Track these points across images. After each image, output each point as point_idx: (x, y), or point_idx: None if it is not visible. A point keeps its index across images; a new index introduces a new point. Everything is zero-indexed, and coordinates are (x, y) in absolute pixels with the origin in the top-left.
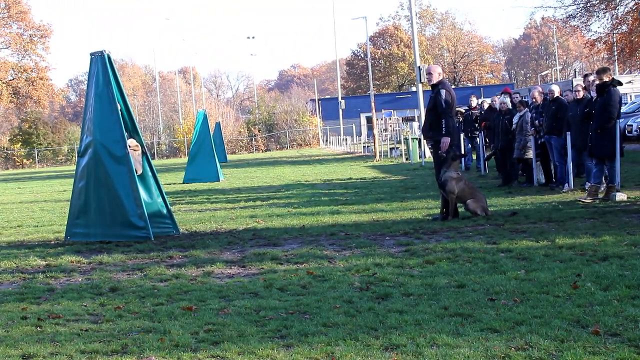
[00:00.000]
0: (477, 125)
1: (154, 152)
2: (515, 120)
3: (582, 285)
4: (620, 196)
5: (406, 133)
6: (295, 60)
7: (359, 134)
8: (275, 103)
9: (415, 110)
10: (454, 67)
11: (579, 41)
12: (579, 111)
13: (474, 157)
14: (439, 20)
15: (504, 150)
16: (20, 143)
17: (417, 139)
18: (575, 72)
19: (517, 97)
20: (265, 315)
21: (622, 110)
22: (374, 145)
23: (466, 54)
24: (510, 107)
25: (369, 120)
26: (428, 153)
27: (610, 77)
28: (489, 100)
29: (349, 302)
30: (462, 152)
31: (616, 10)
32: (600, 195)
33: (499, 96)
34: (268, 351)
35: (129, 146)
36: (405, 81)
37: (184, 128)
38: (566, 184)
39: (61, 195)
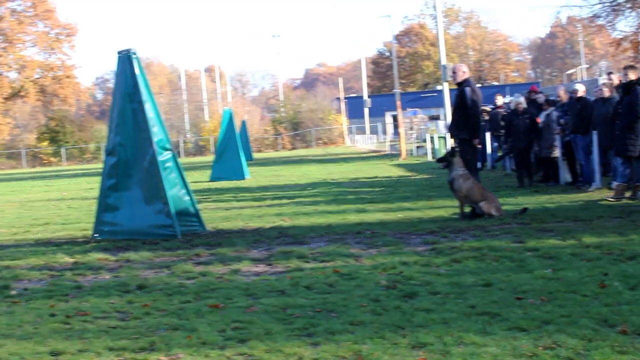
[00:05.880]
0: (502, 124)
1: (180, 151)
2: (541, 118)
3: (609, 285)
4: None
5: (432, 131)
6: (321, 59)
7: (385, 132)
8: (301, 101)
9: (441, 108)
10: (480, 65)
11: (604, 40)
12: (604, 110)
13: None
14: (464, 19)
15: (524, 150)
16: (47, 141)
17: (443, 137)
18: (601, 70)
19: (540, 97)
20: (292, 313)
21: None
22: (400, 143)
23: (491, 52)
24: (526, 106)
25: (395, 118)
26: None
27: (637, 75)
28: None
29: (376, 301)
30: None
31: None
32: (627, 194)
33: (524, 94)
34: (295, 349)
35: None
36: (430, 80)
37: (210, 126)
38: (593, 183)
39: (88, 192)
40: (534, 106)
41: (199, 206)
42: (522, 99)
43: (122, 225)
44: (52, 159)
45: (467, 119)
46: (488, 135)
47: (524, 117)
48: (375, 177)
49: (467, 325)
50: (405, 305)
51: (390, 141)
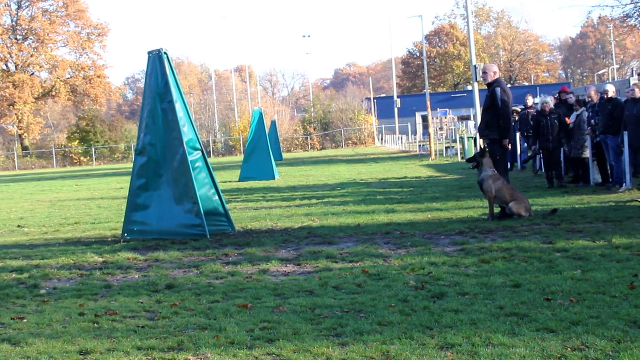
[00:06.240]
0: (531, 124)
1: (209, 150)
2: (572, 119)
3: (638, 286)
4: None
5: (462, 132)
6: (351, 59)
7: (414, 132)
8: (331, 101)
9: (471, 109)
10: (510, 65)
11: (636, 40)
12: (635, 111)
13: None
14: (495, 19)
15: (552, 150)
16: (77, 140)
17: (472, 137)
18: (632, 70)
19: (571, 97)
20: (320, 314)
21: None
22: (430, 144)
23: (522, 52)
24: (553, 106)
25: (425, 118)
26: None
27: None
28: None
29: (404, 301)
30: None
31: None
32: None
33: (555, 95)
34: (323, 349)
35: None
36: (460, 80)
37: (240, 126)
38: (623, 184)
39: (118, 192)
40: (565, 106)
41: (228, 206)
42: (549, 99)
43: (151, 224)
44: (82, 158)
45: (497, 119)
46: (518, 135)
47: (552, 117)
48: (405, 177)
49: (496, 326)
50: (434, 306)
51: (420, 141)
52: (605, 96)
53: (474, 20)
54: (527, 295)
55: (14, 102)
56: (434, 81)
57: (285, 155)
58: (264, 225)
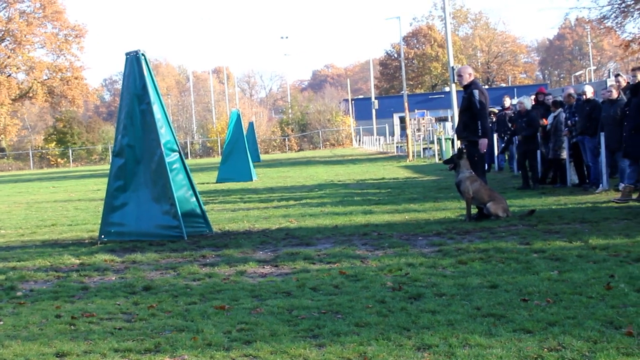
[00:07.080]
0: (510, 125)
1: (187, 152)
2: (550, 120)
3: (615, 286)
4: None
5: (439, 133)
6: (329, 60)
7: (392, 134)
8: (309, 103)
9: (449, 110)
10: (488, 67)
11: (613, 42)
12: (612, 112)
13: (507, 157)
14: (473, 20)
15: (525, 152)
16: (54, 142)
17: (450, 139)
18: (609, 72)
19: (549, 99)
20: (297, 315)
21: None
22: (407, 145)
23: (500, 54)
24: (529, 108)
25: (402, 120)
26: None
27: None
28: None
29: (382, 302)
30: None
31: None
32: (634, 196)
33: (532, 96)
34: (300, 350)
35: None
36: (438, 81)
37: (218, 128)
38: (600, 185)
39: (95, 194)
40: (543, 108)
41: (205, 207)
42: (526, 100)
43: (128, 226)
44: (59, 160)
45: (475, 120)
46: (495, 136)
47: (522, 119)
48: (382, 178)
49: (473, 326)
50: (411, 307)
51: (398, 143)
52: (584, 97)
53: (451, 21)
54: (504, 296)
55: None
56: (411, 82)
57: (263, 156)
58: (242, 226)
